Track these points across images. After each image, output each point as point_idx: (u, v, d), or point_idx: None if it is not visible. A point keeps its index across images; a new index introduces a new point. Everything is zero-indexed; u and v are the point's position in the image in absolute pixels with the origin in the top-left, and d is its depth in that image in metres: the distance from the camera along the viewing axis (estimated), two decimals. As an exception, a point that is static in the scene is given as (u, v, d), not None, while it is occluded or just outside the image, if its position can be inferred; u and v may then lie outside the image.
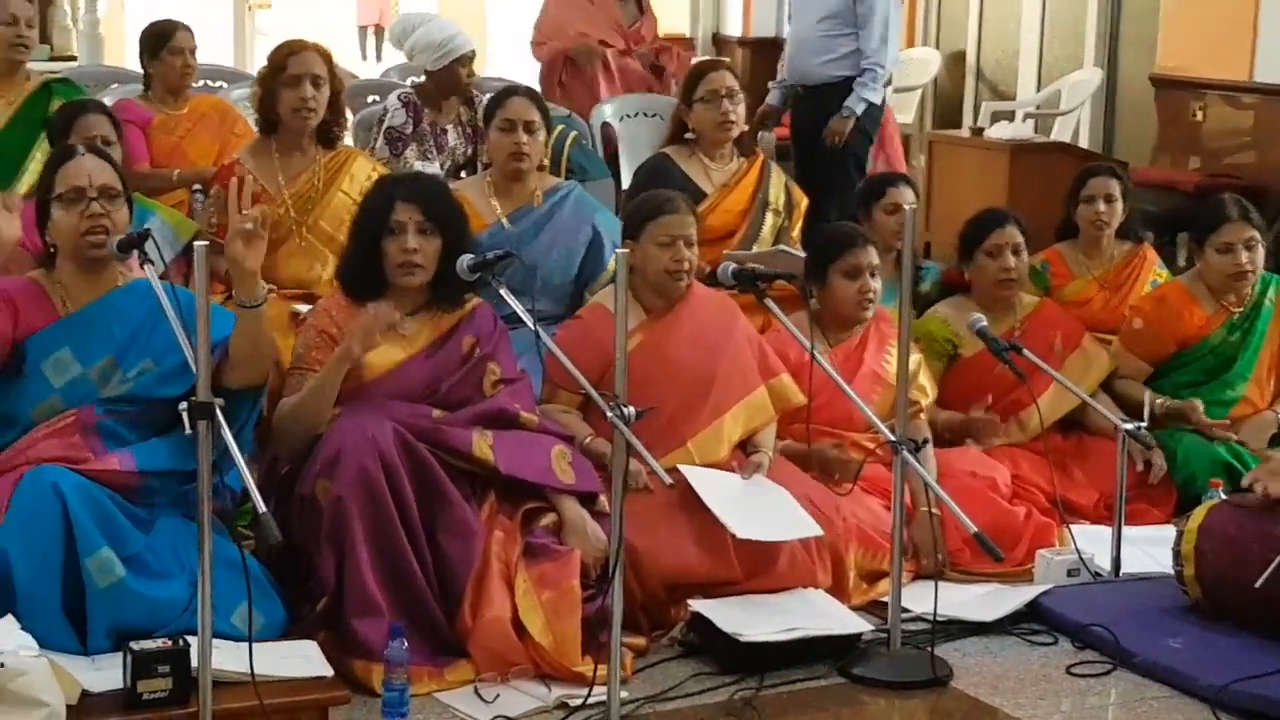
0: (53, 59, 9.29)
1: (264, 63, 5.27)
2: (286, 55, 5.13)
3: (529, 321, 3.92)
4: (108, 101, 6.38)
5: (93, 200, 3.96)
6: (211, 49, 10.32)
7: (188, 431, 3.37)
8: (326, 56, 5.19)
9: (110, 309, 3.99)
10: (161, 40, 6.20)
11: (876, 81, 7.24)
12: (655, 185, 5.31)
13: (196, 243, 3.39)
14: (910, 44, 11.00)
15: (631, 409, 3.65)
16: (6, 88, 5.79)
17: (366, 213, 4.35)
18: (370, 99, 7.35)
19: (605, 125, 7.61)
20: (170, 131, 6.13)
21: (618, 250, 3.81)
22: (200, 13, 12.78)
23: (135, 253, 3.86)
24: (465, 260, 4.19)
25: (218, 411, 3.36)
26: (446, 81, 6.40)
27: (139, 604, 3.70)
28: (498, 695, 3.93)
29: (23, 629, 3.52)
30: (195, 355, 3.39)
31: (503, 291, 4.08)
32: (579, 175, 6.54)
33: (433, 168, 6.38)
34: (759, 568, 4.39)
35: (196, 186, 5.71)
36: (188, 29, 6.25)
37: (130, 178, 5.75)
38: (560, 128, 6.60)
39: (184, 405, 3.36)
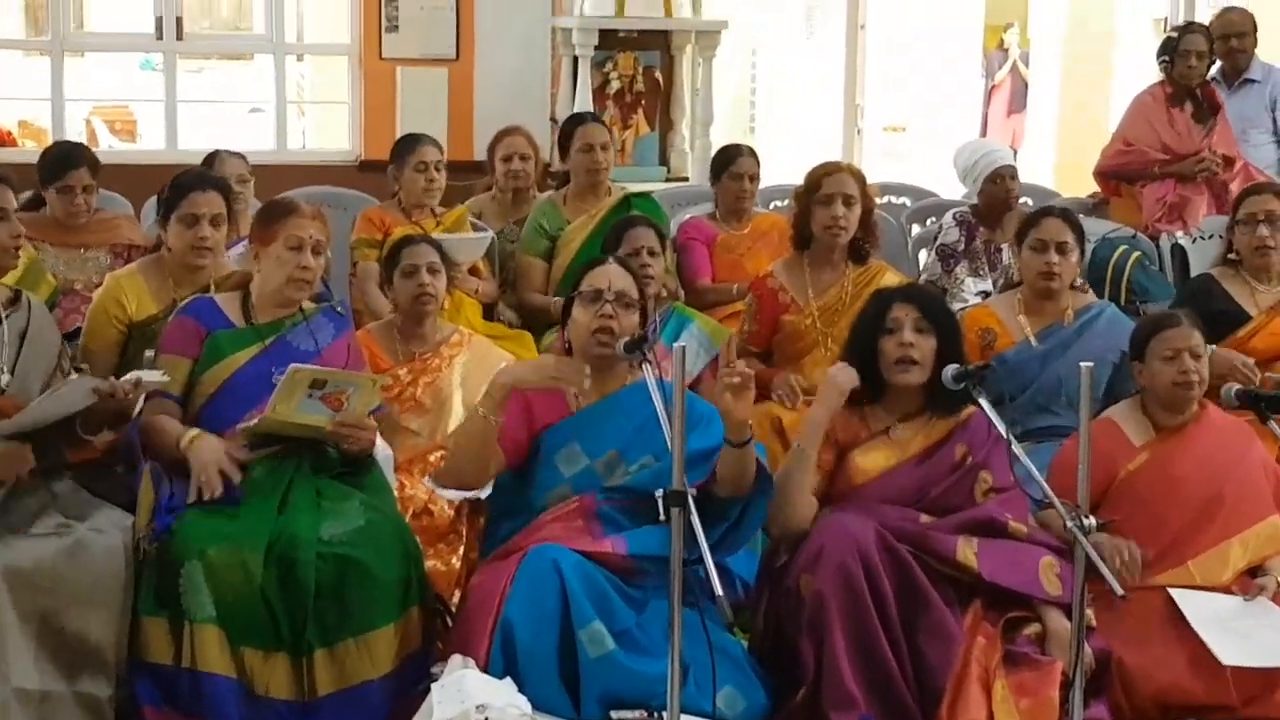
0: (668, 180, 9.98)
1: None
2: (822, 175, 5.43)
3: (1003, 432, 3.99)
4: (686, 216, 6.93)
5: (608, 302, 4.34)
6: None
7: (661, 517, 3.64)
8: (859, 177, 5.45)
9: (617, 406, 4.35)
10: (723, 166, 6.66)
11: None
12: (1195, 306, 5.25)
13: (676, 345, 3.68)
14: None
15: (1092, 520, 3.67)
16: (590, 202, 6.44)
17: (864, 315, 4.53)
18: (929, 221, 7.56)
19: (1175, 246, 7.48)
20: (732, 249, 6.56)
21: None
22: (816, 132, 13.38)
23: (639, 353, 4.17)
24: (950, 370, 4.30)
25: (689, 500, 3.62)
26: (993, 200, 6.53)
27: (627, 677, 3.99)
28: (967, 797, 3.99)
29: (521, 691, 3.89)
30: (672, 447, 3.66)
31: (981, 403, 4.16)
32: (1141, 296, 6.50)
33: (983, 285, 6.51)
34: (1258, 693, 4.24)
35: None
36: (750, 155, 6.67)
37: (692, 291, 6.27)
38: (1122, 248, 6.59)
39: (659, 492, 3.63)
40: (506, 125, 7.04)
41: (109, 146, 13.70)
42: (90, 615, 3.96)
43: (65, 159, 5.94)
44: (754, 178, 6.66)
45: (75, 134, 9.60)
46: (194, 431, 4.25)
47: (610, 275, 4.41)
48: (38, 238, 5.65)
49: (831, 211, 5.38)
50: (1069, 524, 3.69)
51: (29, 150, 9.38)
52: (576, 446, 4.32)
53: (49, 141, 9.55)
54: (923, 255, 7.22)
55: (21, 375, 4.16)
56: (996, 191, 6.55)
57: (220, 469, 4.15)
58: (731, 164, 6.65)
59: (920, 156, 15.11)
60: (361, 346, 4.82)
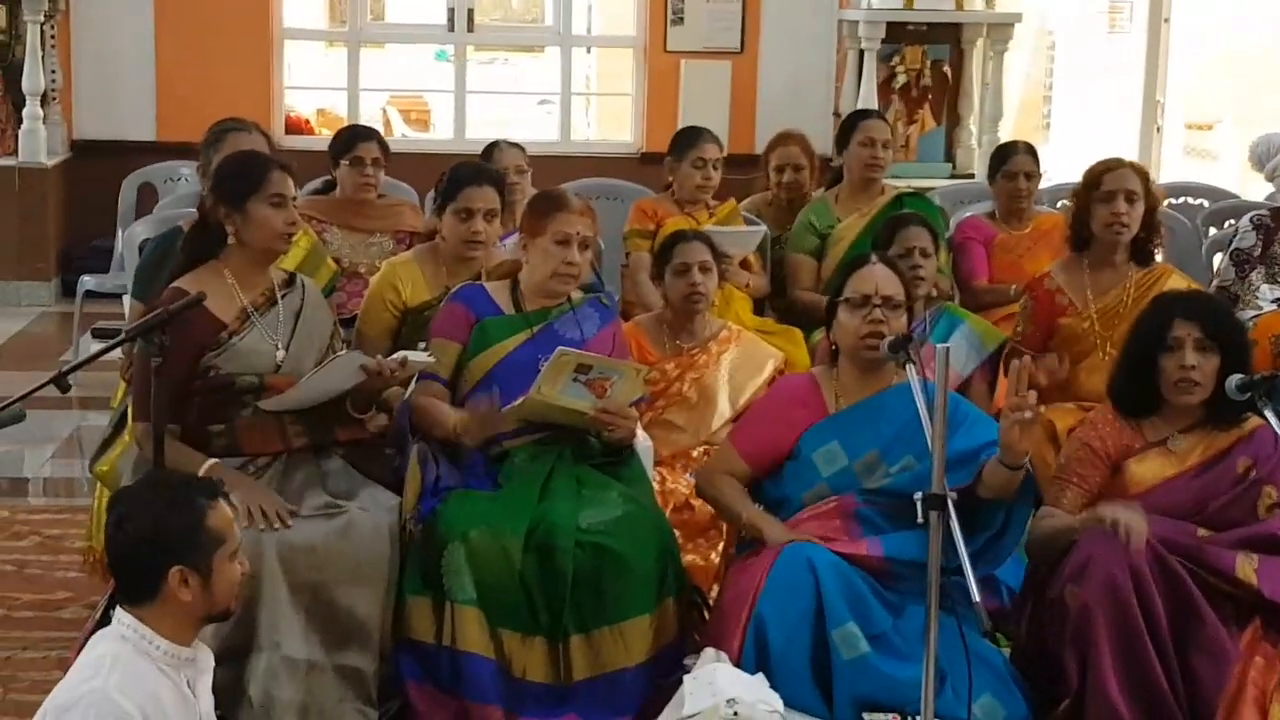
0: (953, 177, 9.83)
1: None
2: (1102, 172, 5.24)
3: (1285, 442, 3.82)
4: (966, 214, 6.80)
5: (876, 307, 4.26)
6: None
7: (918, 520, 3.56)
8: (1143, 174, 5.25)
9: (879, 408, 4.27)
10: (999, 164, 6.51)
11: None
12: None
13: (940, 345, 3.59)
14: None
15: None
16: (863, 200, 6.34)
17: (1143, 328, 4.35)
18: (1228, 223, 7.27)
19: None
20: (1011, 250, 6.39)
21: None
22: (1117, 129, 13.03)
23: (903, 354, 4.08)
24: (1234, 380, 4.12)
25: (949, 504, 3.54)
26: None
27: (881, 680, 3.94)
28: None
29: (772, 688, 3.86)
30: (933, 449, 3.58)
31: (1267, 414, 3.98)
32: None
33: (1278, 292, 6.23)
34: None
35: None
36: (1027, 153, 6.50)
37: (967, 292, 6.12)
38: None
39: (918, 495, 3.56)
40: (782, 130, 6.88)
41: (402, 135, 14.11)
42: (357, 592, 4.07)
43: (355, 133, 6.17)
44: (1031, 175, 6.48)
45: (370, 122, 9.88)
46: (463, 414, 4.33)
47: (877, 278, 4.32)
48: (326, 220, 5.83)
49: (1112, 208, 5.19)
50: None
51: (325, 139, 9.67)
52: (837, 446, 4.26)
53: (345, 131, 9.91)
54: (1217, 259, 6.94)
55: (296, 353, 4.28)
56: None
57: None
58: (1006, 162, 6.50)
59: (1231, 155, 14.54)
60: (627, 338, 4.86)
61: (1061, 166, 9.34)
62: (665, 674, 4.11)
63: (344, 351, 4.30)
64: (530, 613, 4.09)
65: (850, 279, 4.38)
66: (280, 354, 4.25)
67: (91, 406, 6.79)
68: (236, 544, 3.19)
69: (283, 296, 4.32)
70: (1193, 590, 4.06)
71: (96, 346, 5.00)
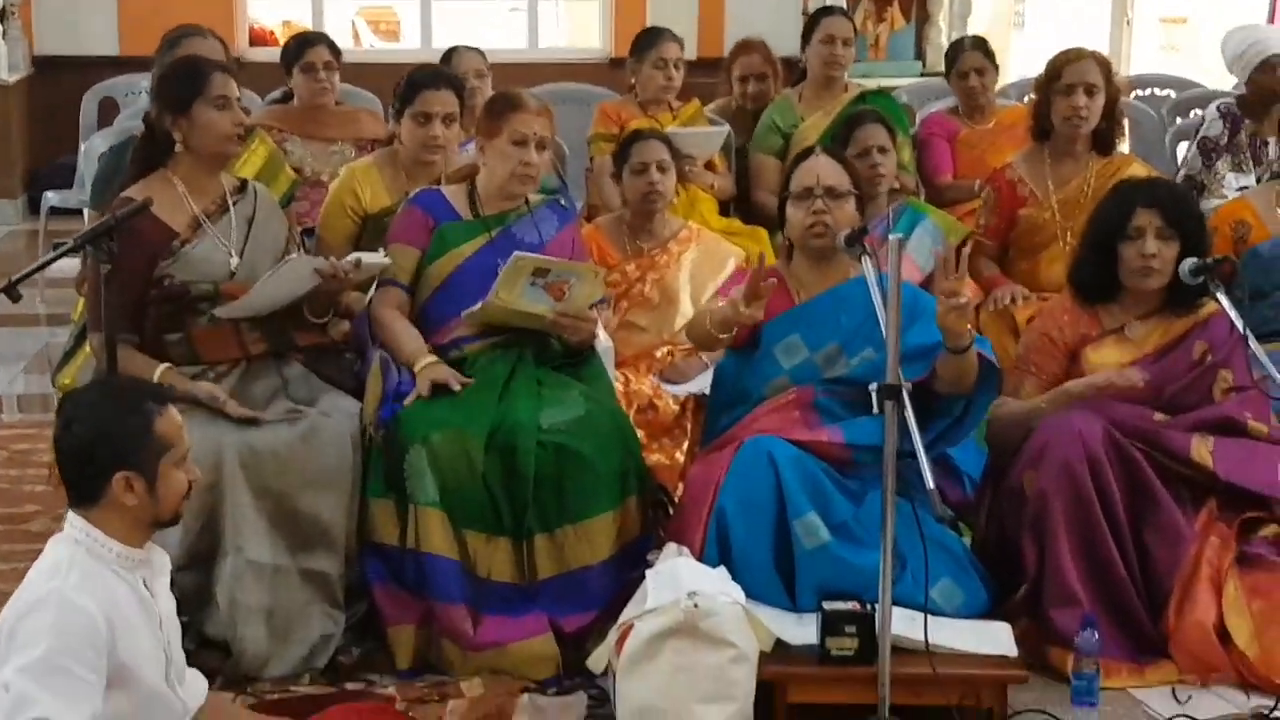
0: (924, 75, 9.81)
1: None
2: (1063, 64, 5.23)
3: (1240, 327, 3.85)
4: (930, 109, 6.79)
5: (818, 197, 4.27)
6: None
7: (874, 412, 3.59)
8: (1104, 64, 5.24)
9: (839, 300, 4.28)
10: (950, 60, 6.51)
11: None
12: None
13: (894, 236, 3.61)
14: None
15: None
16: (826, 99, 6.33)
17: (1104, 216, 4.38)
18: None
19: None
20: (974, 145, 6.38)
21: None
22: (1090, 24, 12.97)
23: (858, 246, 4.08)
24: (1188, 264, 4.15)
25: (904, 394, 3.56)
26: (1261, 90, 6.23)
27: (843, 569, 3.96)
28: (1190, 697, 3.97)
29: (735, 580, 3.89)
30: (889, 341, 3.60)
31: (1220, 298, 4.01)
32: None
33: (1246, 180, 6.24)
34: None
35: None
36: (976, 49, 6.49)
37: (931, 188, 6.13)
38: None
39: (874, 386, 3.59)
40: (743, 39, 6.80)
41: (370, 46, 14.00)
42: (321, 497, 4.09)
43: (304, 40, 6.13)
44: (982, 71, 6.45)
45: (339, 34, 9.78)
46: (428, 360, 4.29)
47: (818, 169, 4.33)
48: (286, 129, 5.80)
49: (1072, 101, 5.18)
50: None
51: (290, 51, 9.59)
52: (797, 338, 4.28)
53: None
54: (1182, 148, 6.95)
55: (250, 260, 4.26)
56: (1266, 81, 6.21)
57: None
58: (956, 60, 6.49)
59: (1203, 49, 14.45)
60: (585, 240, 4.87)
61: (1034, 61, 9.27)
62: (629, 570, 4.14)
63: (294, 255, 4.29)
64: (494, 513, 4.11)
65: (794, 173, 4.41)
66: (234, 261, 4.23)
67: (60, 323, 6.79)
68: (184, 451, 3.15)
69: (235, 203, 4.29)
70: (1149, 474, 4.13)
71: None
